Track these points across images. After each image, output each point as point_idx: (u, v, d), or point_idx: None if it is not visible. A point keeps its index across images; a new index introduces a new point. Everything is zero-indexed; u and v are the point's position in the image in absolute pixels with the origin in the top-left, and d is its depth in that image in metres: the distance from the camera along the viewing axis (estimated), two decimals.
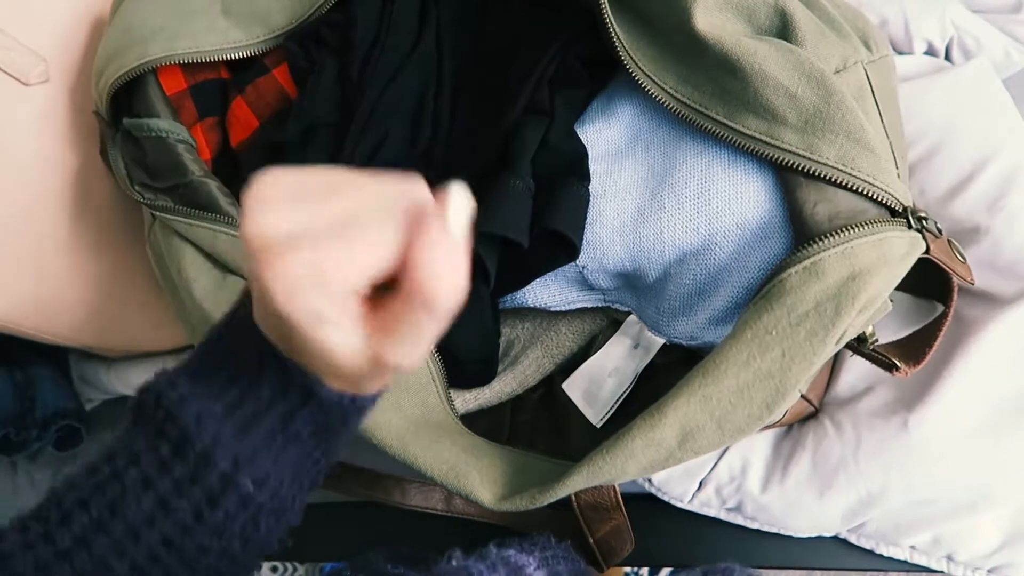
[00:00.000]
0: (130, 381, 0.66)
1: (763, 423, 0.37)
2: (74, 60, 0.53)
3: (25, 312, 0.54)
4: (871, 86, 0.41)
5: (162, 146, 0.45)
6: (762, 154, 0.37)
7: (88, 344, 0.61)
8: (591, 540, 0.45)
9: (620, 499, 0.47)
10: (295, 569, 1.31)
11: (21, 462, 0.72)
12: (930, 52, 0.55)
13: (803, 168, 0.36)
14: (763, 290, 0.37)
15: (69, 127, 0.53)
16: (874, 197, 0.36)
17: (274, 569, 1.32)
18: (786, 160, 0.36)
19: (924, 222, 0.37)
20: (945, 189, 0.49)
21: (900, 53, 0.55)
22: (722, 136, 0.38)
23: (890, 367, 0.39)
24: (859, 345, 0.39)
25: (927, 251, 0.37)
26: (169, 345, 0.66)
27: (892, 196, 0.36)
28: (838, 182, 0.36)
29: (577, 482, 0.39)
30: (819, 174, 0.36)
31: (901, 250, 0.36)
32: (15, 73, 0.50)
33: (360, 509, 0.68)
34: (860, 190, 0.36)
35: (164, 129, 0.45)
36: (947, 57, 0.56)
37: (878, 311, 0.39)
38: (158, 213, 0.45)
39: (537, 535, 0.46)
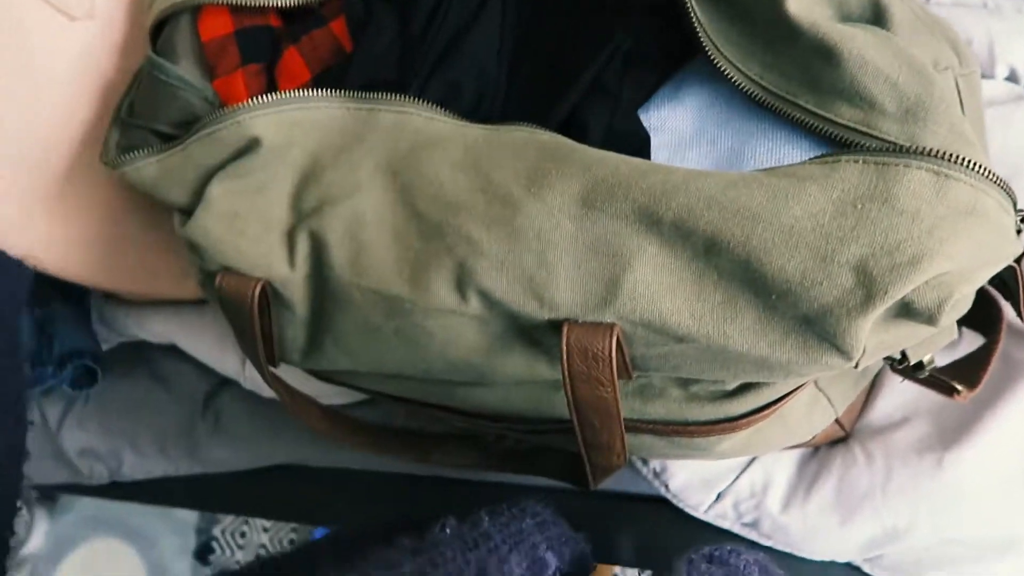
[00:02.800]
0: (149, 327, 0.65)
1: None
2: None
3: (49, 249, 0.53)
4: (960, 98, 0.38)
5: (172, 94, 0.43)
6: (856, 144, 0.33)
7: (112, 287, 0.60)
8: (580, 438, 0.42)
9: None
10: (291, 529, 1.32)
11: (34, 397, 0.71)
12: (1012, 78, 0.53)
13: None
14: (871, 157, 0.32)
15: (111, 67, 0.52)
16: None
17: (266, 530, 1.33)
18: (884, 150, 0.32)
19: (1020, 231, 0.34)
20: None
21: (983, 76, 0.52)
22: (811, 126, 0.35)
23: (950, 391, 0.37)
24: (916, 372, 0.38)
25: (1020, 258, 0.34)
26: (191, 295, 0.65)
27: (1007, 190, 0.33)
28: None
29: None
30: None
31: (1011, 239, 0.33)
32: (61, 6, 0.49)
33: (357, 476, 0.68)
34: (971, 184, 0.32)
35: (182, 79, 0.43)
36: None
37: (944, 336, 0.37)
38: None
39: (524, 502, 0.46)
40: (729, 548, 0.42)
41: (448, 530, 0.38)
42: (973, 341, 0.46)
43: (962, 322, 0.44)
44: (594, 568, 0.48)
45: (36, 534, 1.35)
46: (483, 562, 0.36)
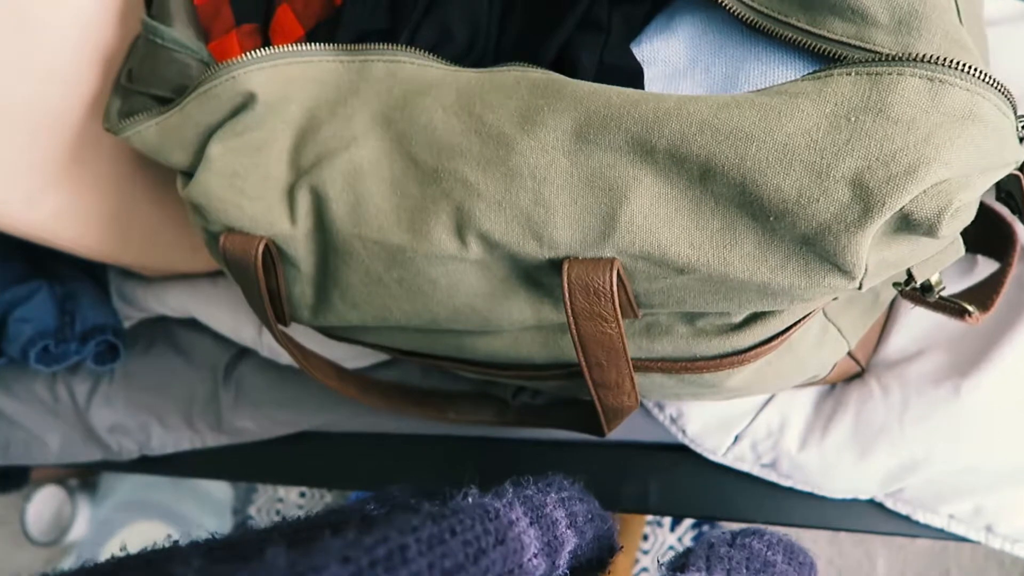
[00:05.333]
0: (167, 301, 0.66)
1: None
2: None
3: (62, 224, 0.54)
4: (956, 5, 0.37)
5: (168, 58, 0.43)
6: (849, 59, 0.32)
7: (126, 262, 0.61)
8: (588, 378, 0.42)
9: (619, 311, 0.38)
10: (322, 496, 1.34)
11: (61, 374, 0.73)
12: None
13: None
14: (863, 68, 0.31)
15: (112, 36, 0.52)
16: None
17: (302, 494, 1.36)
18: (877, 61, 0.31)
19: (1023, 139, 0.33)
20: None
21: None
22: (804, 44, 0.34)
23: (961, 313, 0.36)
24: (924, 294, 0.37)
25: (1023, 166, 0.34)
26: (204, 267, 0.66)
27: (1006, 94, 0.32)
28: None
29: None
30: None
31: (1012, 145, 0.32)
32: None
33: (387, 440, 0.68)
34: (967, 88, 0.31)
35: (177, 42, 0.43)
36: None
37: (950, 253, 0.37)
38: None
39: (552, 476, 0.46)
40: (752, 529, 0.42)
41: (470, 499, 0.38)
42: (988, 269, 0.45)
43: (975, 248, 0.43)
44: (620, 548, 0.48)
45: (79, 521, 1.39)
46: (502, 533, 0.36)
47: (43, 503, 1.40)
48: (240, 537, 0.38)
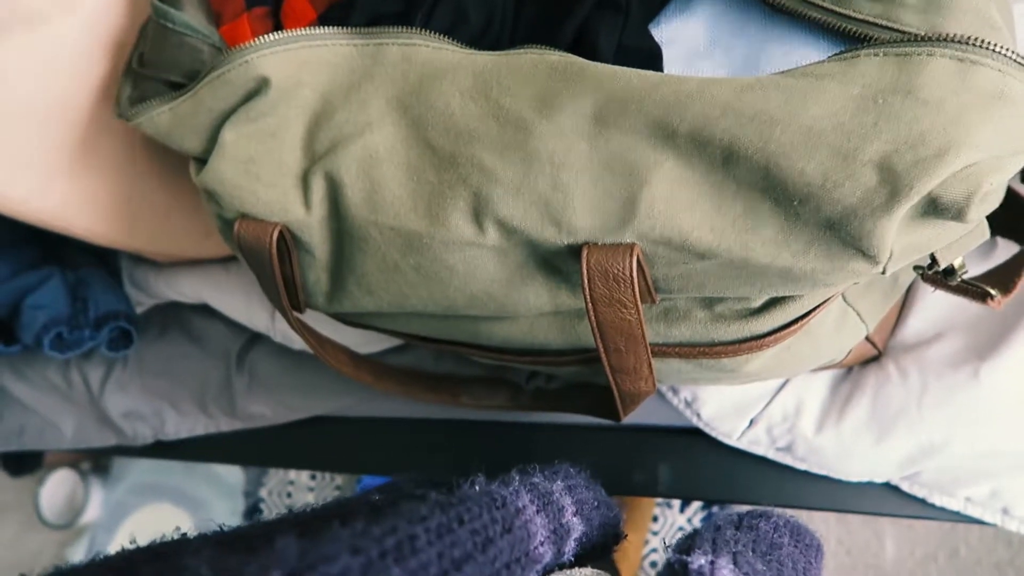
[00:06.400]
0: (179, 287, 0.66)
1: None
2: None
3: (76, 211, 0.53)
4: None
5: (179, 42, 0.43)
6: (876, 39, 0.32)
7: (137, 248, 0.61)
8: (606, 364, 0.40)
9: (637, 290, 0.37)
10: (333, 479, 1.35)
11: (75, 360, 0.73)
12: None
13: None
14: (891, 49, 0.31)
15: (122, 21, 0.51)
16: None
17: (313, 477, 1.37)
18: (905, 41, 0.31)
19: None
20: None
21: None
22: (829, 25, 0.33)
23: (983, 296, 0.36)
24: (947, 278, 0.37)
25: None
26: (215, 253, 0.66)
27: None
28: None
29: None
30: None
31: None
32: None
33: (399, 424, 0.69)
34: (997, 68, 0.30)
35: (188, 26, 0.43)
36: None
37: (975, 236, 0.36)
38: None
39: (559, 464, 0.46)
40: (760, 511, 0.42)
41: (477, 487, 0.38)
42: (1008, 252, 0.45)
43: (997, 231, 0.43)
44: (625, 536, 0.48)
45: (92, 504, 1.40)
46: (509, 521, 0.36)
47: (56, 486, 1.41)
48: (249, 528, 0.38)
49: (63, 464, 1.42)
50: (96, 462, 1.45)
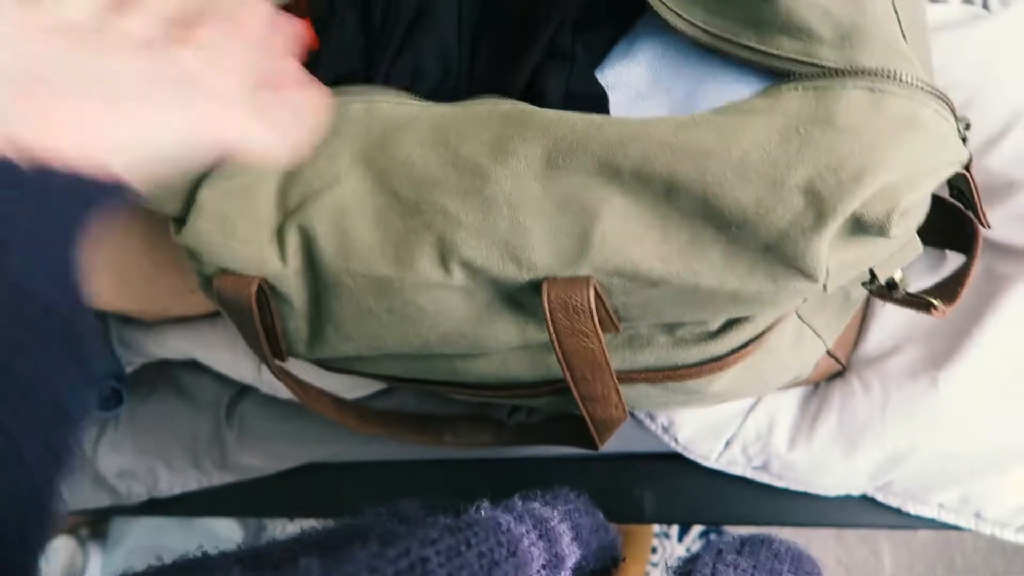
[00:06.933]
0: (167, 345, 0.68)
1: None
2: None
3: None
4: (897, 15, 0.39)
5: None
6: (798, 75, 0.35)
7: (125, 309, 0.62)
8: (575, 392, 0.42)
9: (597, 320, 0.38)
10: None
11: None
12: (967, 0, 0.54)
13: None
14: (810, 83, 0.34)
15: None
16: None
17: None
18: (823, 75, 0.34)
19: (966, 140, 0.35)
20: (980, 142, 0.48)
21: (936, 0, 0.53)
22: (754, 62, 0.36)
23: (927, 307, 0.38)
24: (891, 291, 0.39)
25: (968, 164, 0.35)
26: (201, 310, 0.67)
27: (945, 100, 0.34)
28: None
29: None
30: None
31: (954, 146, 0.34)
32: None
33: (391, 467, 0.70)
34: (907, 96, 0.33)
35: None
36: (984, 5, 0.54)
37: (908, 251, 0.38)
38: None
39: (558, 489, 0.47)
40: (761, 537, 0.43)
41: (483, 512, 0.40)
42: (957, 264, 0.47)
43: (942, 243, 0.45)
44: (624, 559, 0.49)
45: (91, 571, 1.39)
46: (514, 545, 0.37)
47: (55, 555, 1.40)
48: (270, 547, 0.39)
49: (60, 532, 1.42)
50: (93, 528, 1.45)
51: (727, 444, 0.55)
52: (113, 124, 0.30)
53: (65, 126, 0.28)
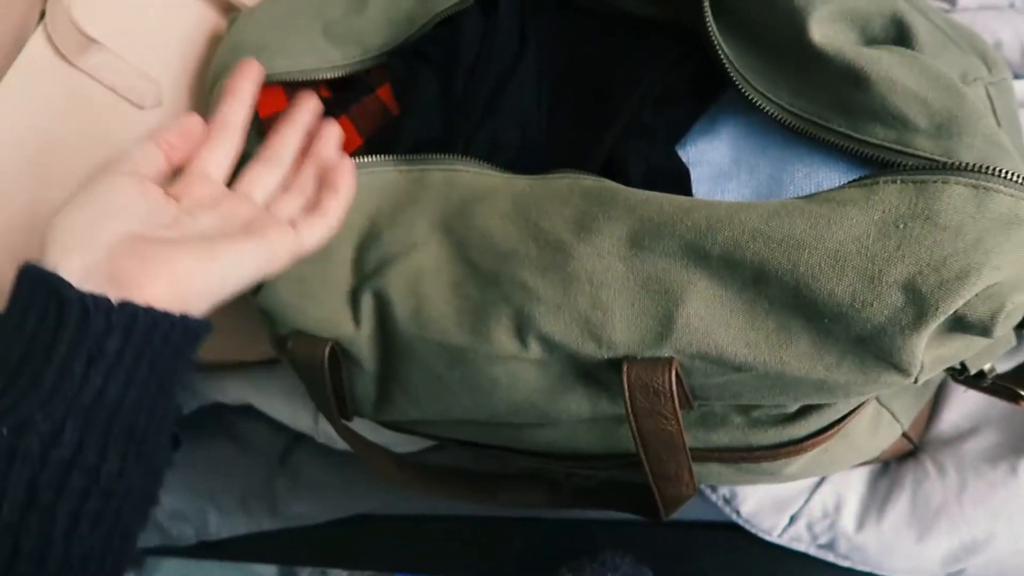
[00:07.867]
0: (224, 389, 0.68)
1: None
2: (187, 83, 0.55)
3: None
4: (992, 106, 0.39)
5: None
6: (893, 163, 0.34)
7: None
8: (648, 471, 0.41)
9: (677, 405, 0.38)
10: None
11: None
12: None
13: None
14: (908, 176, 0.33)
15: None
16: None
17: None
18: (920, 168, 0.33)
19: None
20: None
21: (1016, 77, 0.53)
22: (846, 148, 0.36)
23: (1015, 398, 0.37)
24: (977, 380, 0.38)
25: None
26: (260, 357, 0.68)
27: None
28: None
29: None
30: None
31: None
32: (131, 97, 0.52)
33: (437, 521, 0.69)
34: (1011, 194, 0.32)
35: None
36: None
37: (1002, 344, 0.37)
38: None
39: (605, 555, 0.46)
40: None
41: None
42: None
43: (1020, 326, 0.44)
44: None
45: None
46: None
47: None
48: None
49: None
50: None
51: (792, 520, 0.53)
52: (205, 272, 0.36)
53: (160, 276, 0.34)
